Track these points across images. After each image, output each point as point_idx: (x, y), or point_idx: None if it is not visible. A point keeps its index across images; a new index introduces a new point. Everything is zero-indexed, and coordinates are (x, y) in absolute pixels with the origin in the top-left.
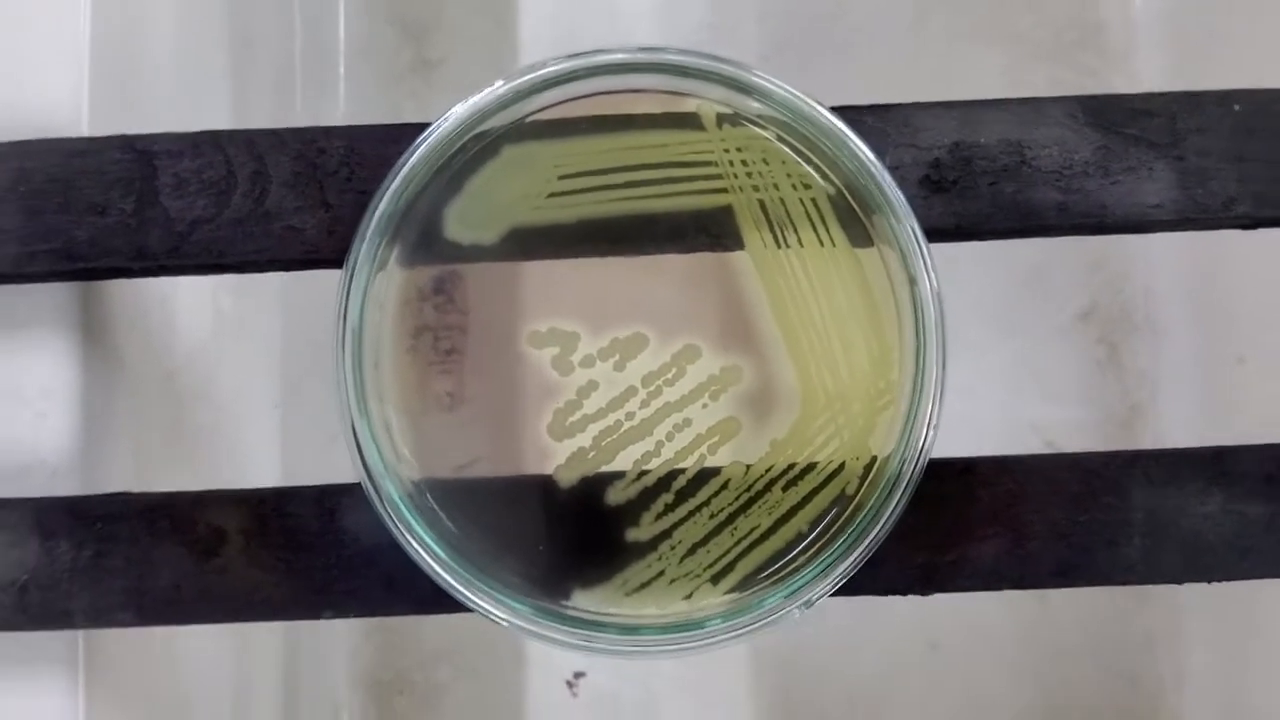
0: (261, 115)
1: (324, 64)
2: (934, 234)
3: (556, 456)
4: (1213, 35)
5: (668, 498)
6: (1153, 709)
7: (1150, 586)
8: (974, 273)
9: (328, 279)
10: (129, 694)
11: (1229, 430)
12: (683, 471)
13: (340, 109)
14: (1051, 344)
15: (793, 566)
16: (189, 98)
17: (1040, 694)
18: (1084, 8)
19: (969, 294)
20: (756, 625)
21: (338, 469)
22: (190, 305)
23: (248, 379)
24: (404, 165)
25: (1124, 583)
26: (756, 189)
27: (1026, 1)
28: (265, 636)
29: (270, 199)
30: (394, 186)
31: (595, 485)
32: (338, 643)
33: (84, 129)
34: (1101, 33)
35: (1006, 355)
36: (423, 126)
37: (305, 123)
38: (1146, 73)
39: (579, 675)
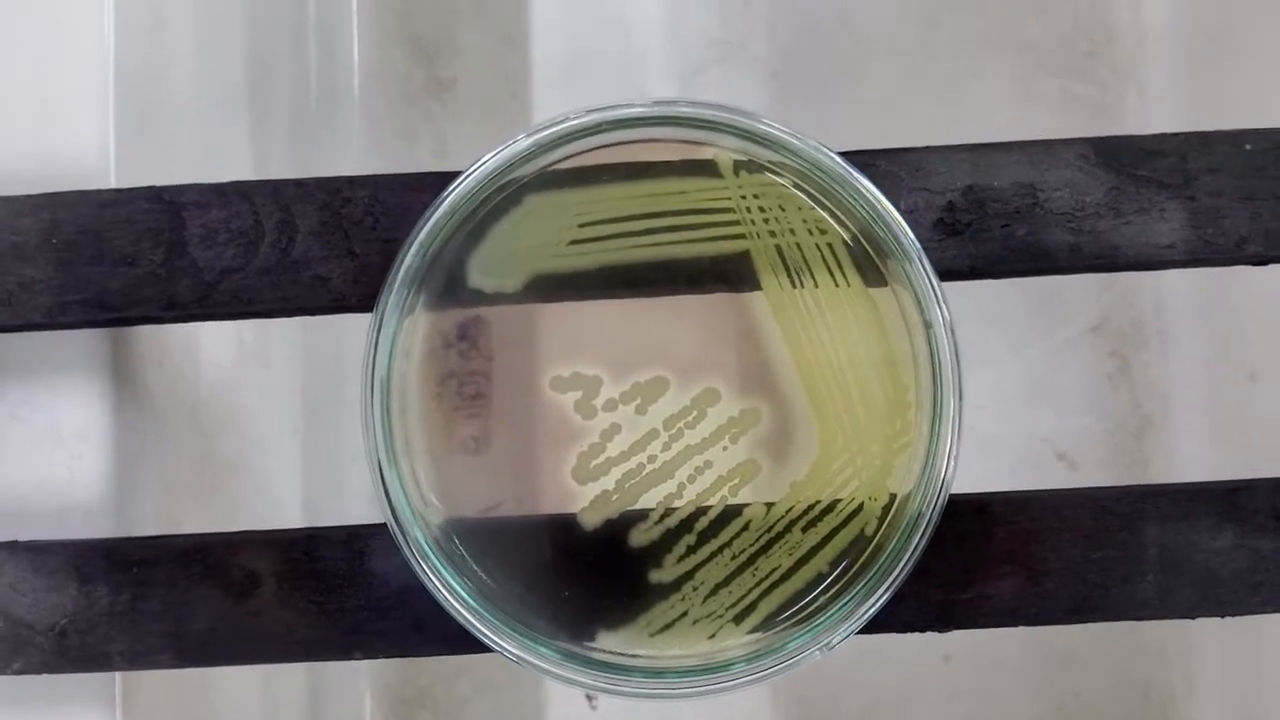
0: (281, 138)
1: (339, 85)
2: (948, 275)
3: (580, 499)
4: (1224, 46)
5: (690, 539)
6: (1165, 718)
7: None
8: (987, 288)
9: (349, 316)
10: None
11: (1240, 445)
12: (704, 513)
13: (355, 129)
14: (1063, 357)
15: (814, 607)
16: (209, 127)
17: (1054, 704)
18: (1095, 17)
19: (982, 309)
20: (780, 667)
21: (358, 492)
22: (214, 340)
23: (270, 408)
24: (430, 219)
25: (1139, 618)
26: (773, 234)
27: (1036, 10)
28: None
29: (297, 248)
30: (420, 238)
31: (619, 527)
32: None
33: (111, 175)
34: (1113, 43)
35: (1019, 369)
36: (444, 175)
37: (324, 144)
38: (1156, 83)
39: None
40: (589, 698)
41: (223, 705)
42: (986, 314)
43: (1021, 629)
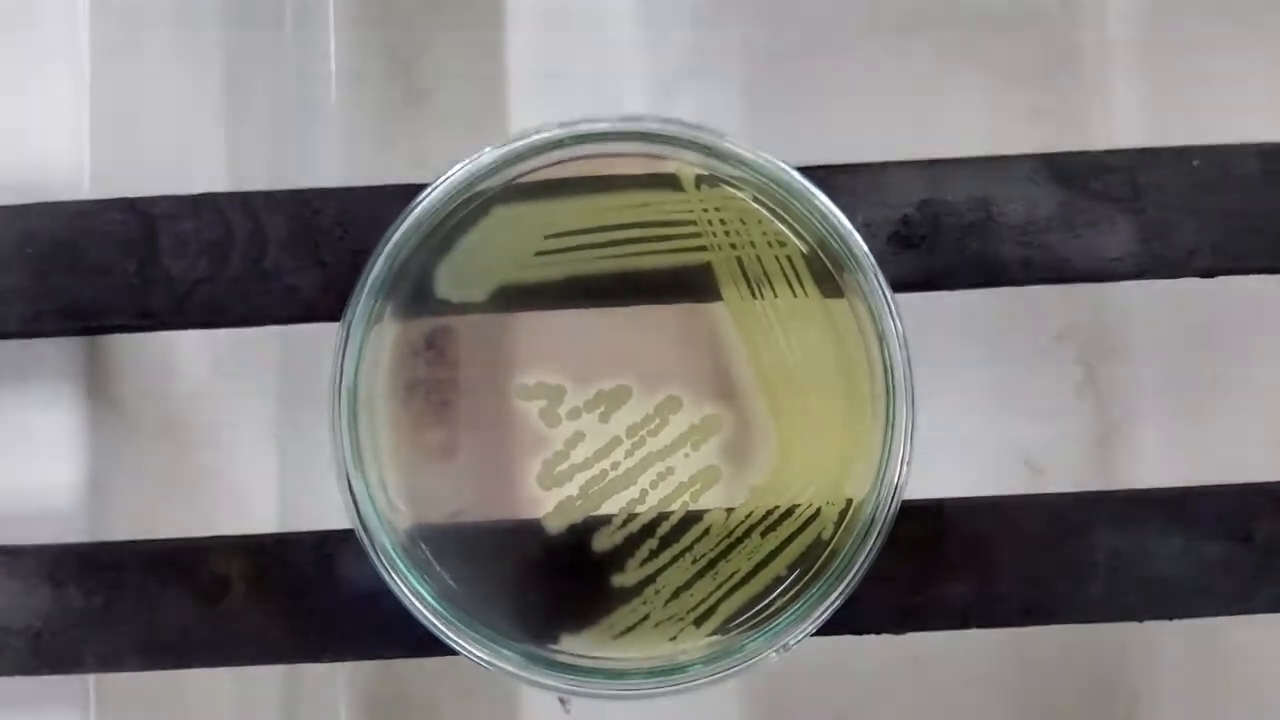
0: (257, 147)
1: (316, 96)
2: (903, 287)
3: (545, 505)
4: (1188, 65)
5: (652, 544)
6: (1128, 716)
7: None
8: (953, 296)
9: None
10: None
11: (1203, 453)
12: (666, 518)
13: (333, 139)
14: (1030, 364)
15: (772, 609)
16: (184, 139)
17: (1020, 704)
18: (1061, 35)
19: (949, 316)
20: (736, 669)
21: (332, 501)
22: (189, 350)
23: (245, 418)
24: (397, 229)
25: (1088, 621)
26: (734, 246)
27: (1004, 27)
28: None
29: (268, 258)
30: (388, 249)
31: (582, 532)
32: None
33: (85, 186)
34: (1079, 60)
35: (985, 375)
36: (412, 187)
37: (300, 152)
38: (1122, 100)
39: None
40: (562, 701)
41: (196, 710)
42: (953, 323)
43: (988, 633)
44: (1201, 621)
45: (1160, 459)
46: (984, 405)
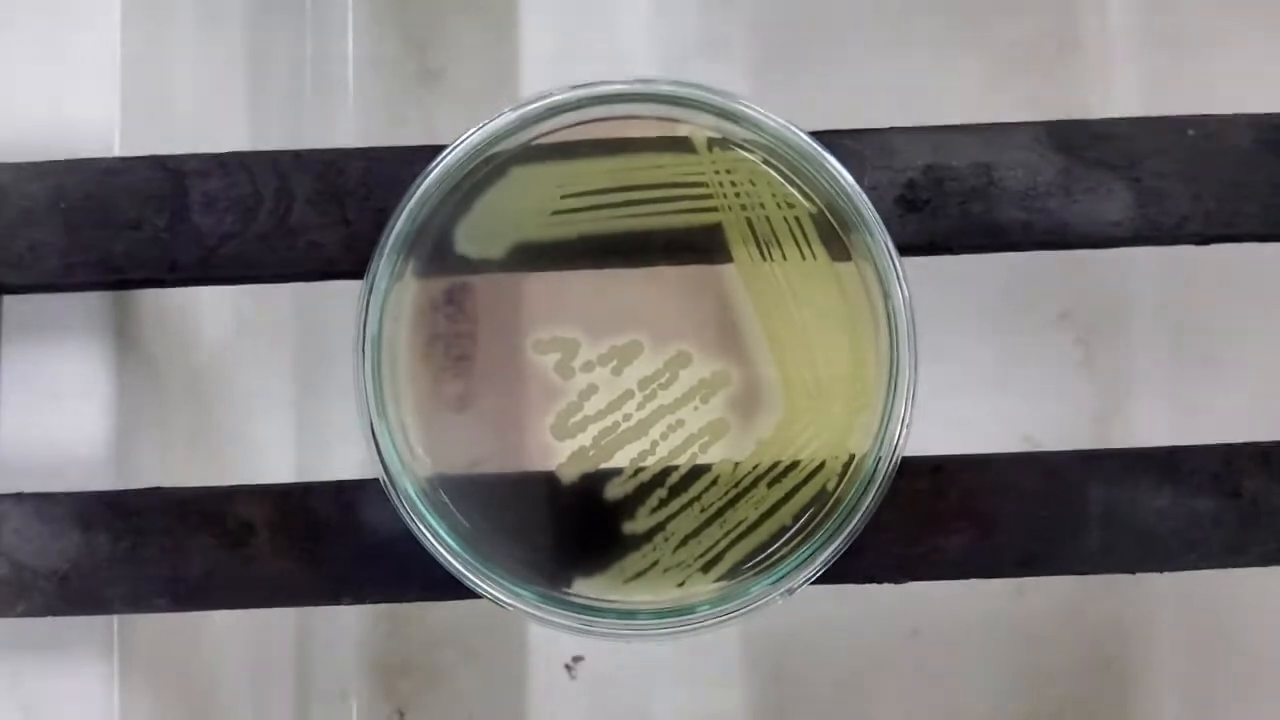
0: (276, 121)
1: (334, 73)
2: (907, 250)
3: (559, 455)
4: (1187, 52)
5: (662, 493)
6: (1124, 689)
7: (1118, 575)
8: (957, 275)
9: (342, 284)
10: (159, 675)
11: (1200, 433)
12: (676, 469)
13: (349, 115)
14: (1031, 343)
15: (777, 556)
16: (210, 108)
17: (1017, 677)
18: (1063, 19)
19: (952, 295)
20: (743, 610)
21: (347, 457)
22: (213, 307)
23: (266, 375)
24: (419, 187)
25: (1083, 572)
26: (744, 208)
27: (1006, 11)
28: (280, 621)
29: (294, 216)
30: (410, 207)
31: (595, 481)
32: (347, 627)
33: (115, 146)
34: (1079, 45)
35: (987, 353)
36: (433, 148)
37: (318, 129)
38: (1121, 85)
39: (577, 659)
40: (567, 667)
41: (216, 670)
42: (956, 301)
43: (985, 606)
44: (1193, 587)
45: (1157, 438)
46: (984, 383)
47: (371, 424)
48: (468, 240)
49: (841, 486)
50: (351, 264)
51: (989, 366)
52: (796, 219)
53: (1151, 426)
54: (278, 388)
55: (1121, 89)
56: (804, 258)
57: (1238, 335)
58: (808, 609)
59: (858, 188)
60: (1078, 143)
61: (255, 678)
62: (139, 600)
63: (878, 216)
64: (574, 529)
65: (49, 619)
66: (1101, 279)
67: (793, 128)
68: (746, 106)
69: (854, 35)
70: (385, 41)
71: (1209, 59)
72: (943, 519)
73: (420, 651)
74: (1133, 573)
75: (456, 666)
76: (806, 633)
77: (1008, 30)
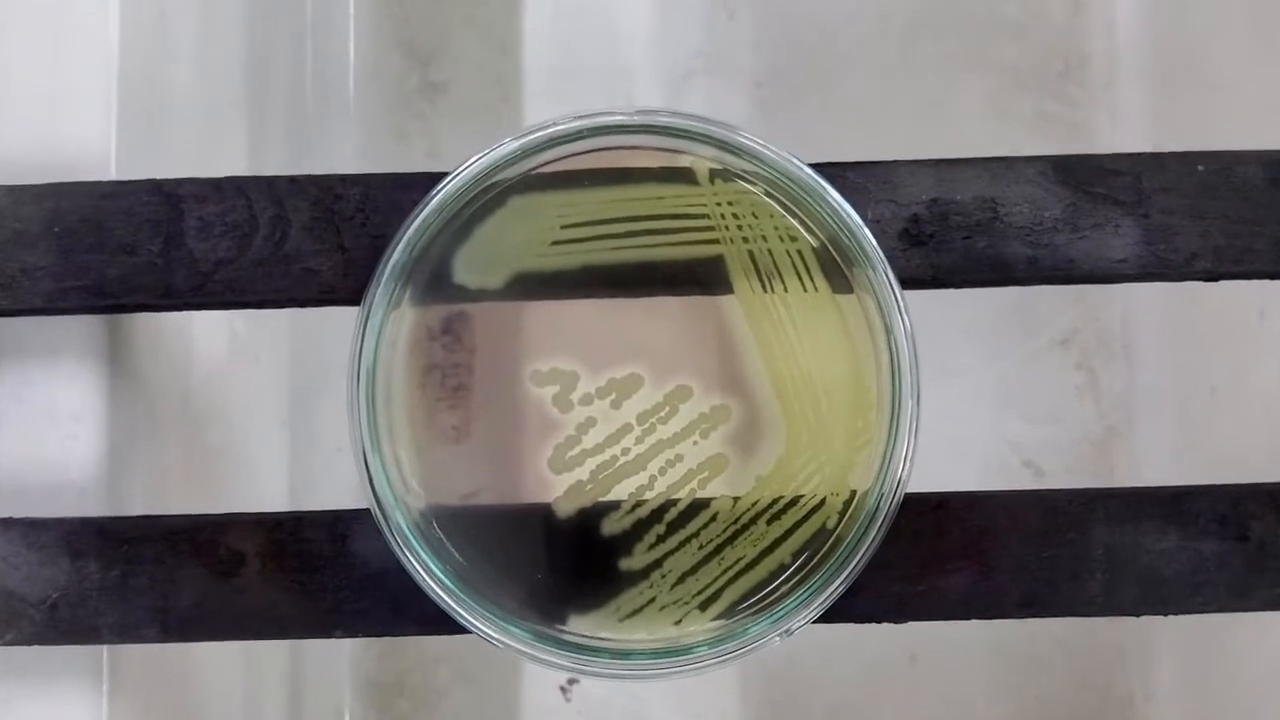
0: (277, 135)
1: (335, 87)
2: (911, 283)
3: (556, 488)
4: (1193, 71)
5: (660, 529)
6: (1124, 716)
7: None
8: (960, 300)
9: (338, 308)
10: (150, 694)
11: (1201, 456)
12: (674, 504)
13: (350, 129)
14: (1033, 368)
15: (776, 595)
16: (208, 126)
17: (1015, 705)
18: (1069, 40)
19: (955, 321)
20: (741, 651)
21: (341, 482)
22: (207, 330)
23: (259, 399)
24: (418, 215)
25: (1085, 614)
26: (746, 240)
27: (1013, 32)
28: (273, 642)
29: (290, 242)
30: (408, 235)
31: (592, 516)
32: (341, 647)
33: (112, 168)
34: (1086, 65)
35: (989, 378)
36: (433, 176)
37: (319, 142)
38: (1127, 105)
39: (573, 681)
40: (563, 690)
41: (206, 692)
42: (959, 325)
43: (985, 632)
44: (1197, 625)
45: (1158, 463)
46: (987, 407)
47: (365, 455)
48: (466, 269)
49: (842, 524)
50: (348, 291)
51: (991, 390)
52: (799, 252)
53: (1155, 452)
54: (271, 410)
55: (1128, 112)
56: (806, 290)
57: (1241, 361)
58: (804, 633)
59: (860, 222)
60: (1084, 177)
61: (248, 696)
62: (128, 630)
63: (880, 251)
64: (570, 565)
65: None
66: (1105, 304)
67: (795, 160)
68: (749, 139)
69: (858, 55)
70: (387, 56)
71: (1217, 84)
72: (944, 558)
73: (415, 671)
74: (1136, 615)
75: (451, 686)
76: (802, 657)
77: (1013, 51)
